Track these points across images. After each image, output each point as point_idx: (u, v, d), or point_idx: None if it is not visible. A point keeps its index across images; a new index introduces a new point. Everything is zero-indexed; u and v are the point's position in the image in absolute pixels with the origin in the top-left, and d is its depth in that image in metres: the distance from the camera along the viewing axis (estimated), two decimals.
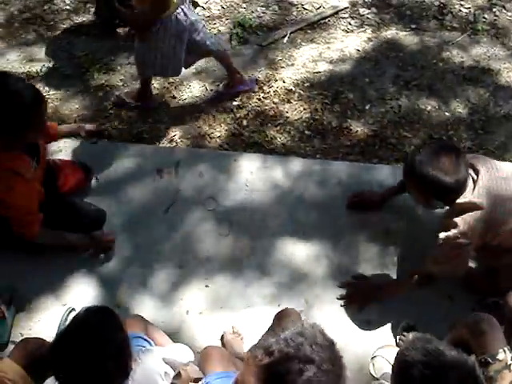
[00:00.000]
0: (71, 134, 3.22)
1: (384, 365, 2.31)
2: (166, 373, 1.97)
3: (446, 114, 3.55)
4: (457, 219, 2.33)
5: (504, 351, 2.02)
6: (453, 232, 2.34)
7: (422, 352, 1.66)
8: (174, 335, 2.56)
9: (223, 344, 2.58)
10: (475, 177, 2.35)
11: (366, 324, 2.67)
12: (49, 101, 3.68)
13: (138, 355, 1.97)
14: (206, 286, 2.80)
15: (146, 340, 2.17)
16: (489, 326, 2.13)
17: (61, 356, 1.75)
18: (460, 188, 2.30)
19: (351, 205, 3.04)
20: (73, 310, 2.69)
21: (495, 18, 4.07)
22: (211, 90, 3.69)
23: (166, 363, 2.00)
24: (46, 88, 3.75)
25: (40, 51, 3.99)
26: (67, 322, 2.54)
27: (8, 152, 2.40)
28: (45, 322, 2.70)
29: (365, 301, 2.71)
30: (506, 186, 2.34)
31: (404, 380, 1.67)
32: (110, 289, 2.79)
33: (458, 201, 2.32)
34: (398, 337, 2.57)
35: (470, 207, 2.31)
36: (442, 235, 2.38)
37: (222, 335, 2.61)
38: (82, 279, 2.82)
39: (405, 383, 1.67)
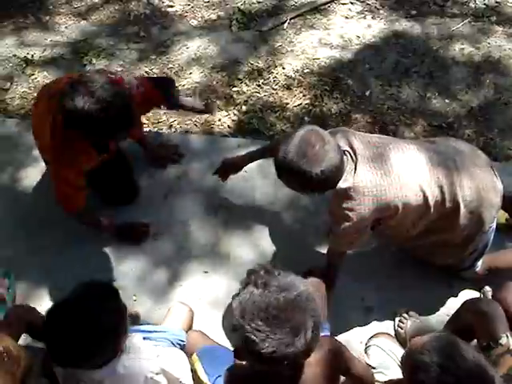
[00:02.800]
0: None
1: (379, 354, 2.32)
2: (151, 378, 1.98)
3: (446, 101, 3.54)
4: (348, 212, 2.22)
5: (507, 336, 2.04)
6: (346, 225, 2.25)
7: (441, 354, 1.62)
8: None
9: None
10: (354, 156, 2.22)
11: (365, 311, 2.68)
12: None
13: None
14: (205, 272, 2.81)
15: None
16: (492, 311, 2.14)
17: (53, 321, 1.79)
18: (331, 176, 2.14)
19: (217, 172, 2.96)
20: None
21: (496, 4, 4.04)
22: (211, 76, 3.68)
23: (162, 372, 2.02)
24: (45, 73, 3.73)
25: (38, 36, 3.97)
26: None
27: (83, 143, 2.47)
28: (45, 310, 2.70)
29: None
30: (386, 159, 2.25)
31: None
32: (108, 276, 2.80)
33: (340, 185, 2.19)
34: (396, 323, 2.58)
35: (353, 193, 2.20)
36: (336, 229, 2.30)
37: None
38: (80, 267, 2.82)
39: None
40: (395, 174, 2.23)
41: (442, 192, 2.29)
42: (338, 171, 2.16)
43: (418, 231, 2.44)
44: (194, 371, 2.22)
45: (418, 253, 2.67)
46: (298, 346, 1.45)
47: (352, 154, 2.24)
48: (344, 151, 2.24)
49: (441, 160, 2.34)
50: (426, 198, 2.28)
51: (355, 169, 2.21)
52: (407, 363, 1.73)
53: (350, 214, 2.23)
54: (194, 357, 2.20)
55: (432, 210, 2.31)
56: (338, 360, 1.85)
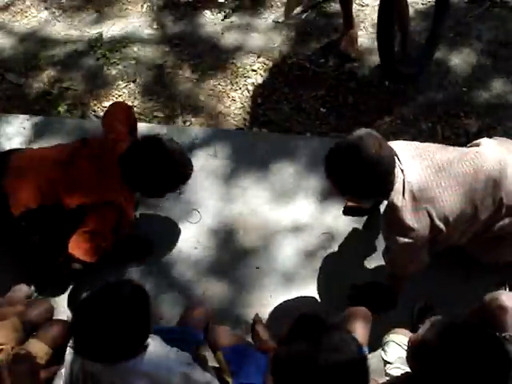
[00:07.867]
0: None
1: (397, 350, 2.30)
2: (185, 373, 1.98)
3: (464, 89, 3.50)
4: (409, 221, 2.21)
5: None
6: (406, 239, 2.25)
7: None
8: None
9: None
10: (402, 168, 2.23)
11: None
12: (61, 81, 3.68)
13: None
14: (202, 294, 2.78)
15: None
16: (510, 304, 2.12)
17: (82, 315, 1.82)
18: (387, 175, 2.17)
19: (347, 211, 2.90)
20: None
21: None
22: (226, 67, 3.66)
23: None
24: (58, 67, 3.74)
25: (50, 30, 3.98)
26: None
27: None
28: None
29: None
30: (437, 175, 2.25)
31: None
32: (131, 271, 2.81)
33: (392, 199, 2.20)
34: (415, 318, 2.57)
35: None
36: (397, 240, 2.27)
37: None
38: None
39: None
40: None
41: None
42: (392, 172, 2.17)
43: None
44: (219, 367, 2.23)
45: (470, 249, 2.64)
46: None
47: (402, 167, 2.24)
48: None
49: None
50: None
51: (403, 185, 2.21)
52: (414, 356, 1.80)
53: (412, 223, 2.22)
54: (220, 354, 2.18)
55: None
56: None
